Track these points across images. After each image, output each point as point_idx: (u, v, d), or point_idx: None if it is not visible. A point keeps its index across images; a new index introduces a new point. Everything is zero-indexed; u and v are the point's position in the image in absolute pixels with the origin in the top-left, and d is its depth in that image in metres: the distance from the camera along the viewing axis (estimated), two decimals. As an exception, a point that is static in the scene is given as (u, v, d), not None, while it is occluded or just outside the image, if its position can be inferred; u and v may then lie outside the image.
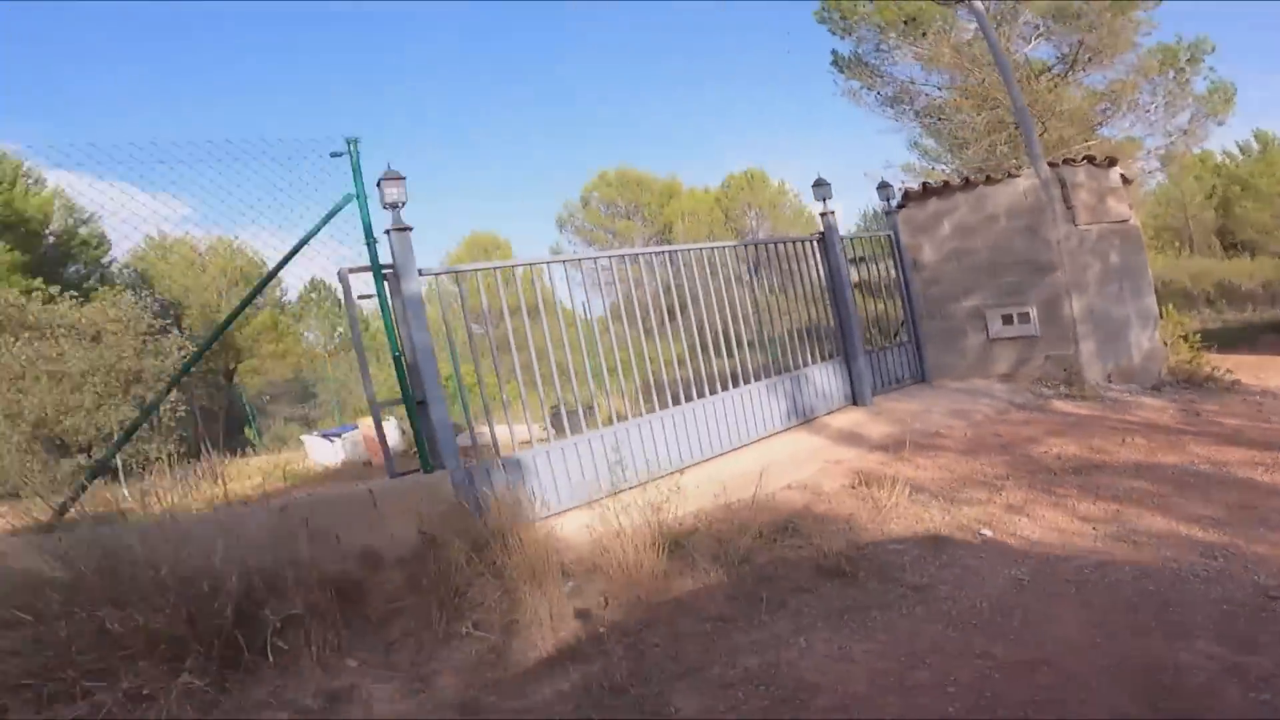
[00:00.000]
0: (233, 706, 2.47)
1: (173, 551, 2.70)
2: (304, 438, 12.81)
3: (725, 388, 5.53)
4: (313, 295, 23.60)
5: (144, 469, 12.40)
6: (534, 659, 2.83)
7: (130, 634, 2.43)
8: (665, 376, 5.22)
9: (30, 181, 15.99)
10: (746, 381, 5.72)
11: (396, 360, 4.01)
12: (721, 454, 5.36)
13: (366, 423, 12.91)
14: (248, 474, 13.60)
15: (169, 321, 14.23)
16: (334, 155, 4.09)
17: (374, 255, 4.06)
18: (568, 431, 4.70)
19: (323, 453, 12.11)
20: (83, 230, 16.73)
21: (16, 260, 14.11)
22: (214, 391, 18.53)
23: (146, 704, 2.35)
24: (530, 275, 4.84)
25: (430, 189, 40.79)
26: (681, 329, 5.78)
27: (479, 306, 4.59)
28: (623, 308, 5.31)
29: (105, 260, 17.47)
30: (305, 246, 4.10)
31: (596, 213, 28.14)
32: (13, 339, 11.30)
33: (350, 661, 2.79)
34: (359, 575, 3.49)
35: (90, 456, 11.68)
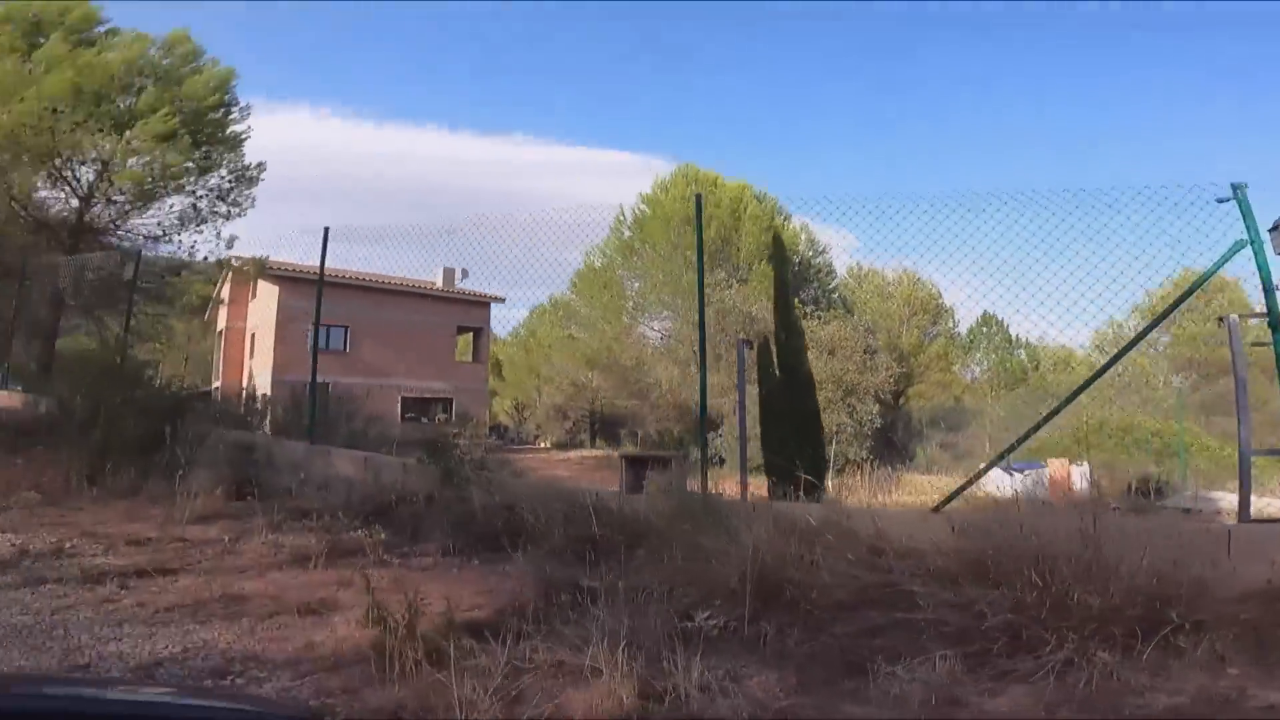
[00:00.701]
0: (1124, 684, 2.70)
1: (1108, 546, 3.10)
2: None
3: None
4: (983, 329, 23.93)
5: (843, 468, 14.91)
6: None
7: (1076, 607, 2.90)
8: None
9: (781, 218, 21.24)
10: None
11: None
12: None
13: (1056, 463, 12.40)
14: (917, 488, 14.90)
15: (876, 344, 16.74)
16: (1220, 201, 4.08)
17: (1272, 304, 3.84)
18: None
19: (1000, 482, 12.18)
20: (816, 260, 21.34)
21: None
22: (887, 410, 20.89)
23: (1074, 669, 2.76)
24: None
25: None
26: None
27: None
28: None
29: (830, 287, 21.84)
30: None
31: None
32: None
33: (1231, 670, 2.89)
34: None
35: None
